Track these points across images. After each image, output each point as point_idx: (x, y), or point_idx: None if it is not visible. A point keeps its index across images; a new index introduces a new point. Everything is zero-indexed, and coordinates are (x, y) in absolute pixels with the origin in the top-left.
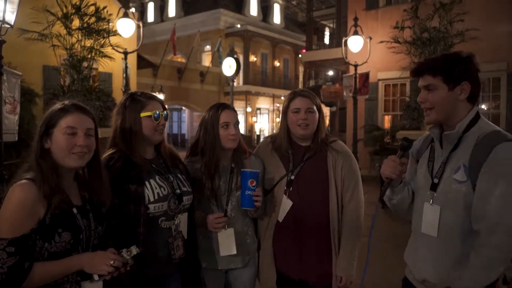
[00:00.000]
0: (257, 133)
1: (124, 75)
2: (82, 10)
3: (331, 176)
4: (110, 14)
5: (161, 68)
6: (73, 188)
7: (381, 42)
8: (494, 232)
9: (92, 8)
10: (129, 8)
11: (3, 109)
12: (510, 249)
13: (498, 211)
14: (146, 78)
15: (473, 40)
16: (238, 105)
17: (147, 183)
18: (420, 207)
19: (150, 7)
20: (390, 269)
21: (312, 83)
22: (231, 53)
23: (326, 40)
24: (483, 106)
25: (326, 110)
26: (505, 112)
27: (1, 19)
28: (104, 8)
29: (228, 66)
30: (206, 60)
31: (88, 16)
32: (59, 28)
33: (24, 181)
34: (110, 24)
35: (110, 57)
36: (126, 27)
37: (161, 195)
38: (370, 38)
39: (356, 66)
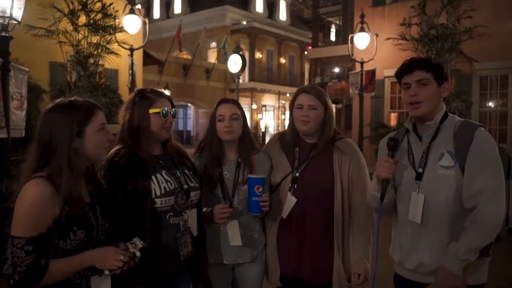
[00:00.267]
0: (262, 130)
1: (130, 71)
2: (88, 6)
3: (336, 174)
4: (117, 11)
5: (167, 64)
6: (83, 184)
7: (388, 39)
8: (490, 203)
9: (98, 5)
10: (135, 4)
11: (11, 105)
12: (503, 214)
13: (493, 182)
14: (152, 75)
15: (480, 37)
16: (244, 102)
17: (153, 177)
18: (407, 197)
19: (156, 3)
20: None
21: (318, 80)
22: (237, 50)
23: (332, 37)
24: (490, 104)
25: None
26: None
27: (9, 15)
28: (111, 4)
29: (234, 63)
30: (212, 57)
31: (95, 13)
32: (65, 24)
33: (38, 179)
34: (117, 20)
35: (116, 54)
36: (132, 24)
37: (167, 189)
38: (377, 35)
39: (362, 63)
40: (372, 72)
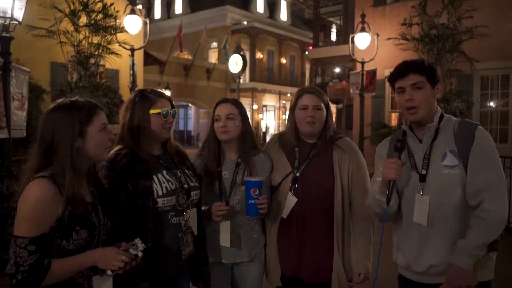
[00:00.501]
0: (263, 130)
1: (131, 71)
2: (89, 6)
3: (336, 173)
4: (117, 11)
5: (168, 64)
6: (84, 184)
7: (389, 39)
8: (495, 198)
9: (99, 5)
10: (136, 5)
11: (12, 106)
12: (507, 209)
13: (496, 179)
14: (152, 75)
15: (481, 37)
16: (244, 102)
17: (155, 177)
18: (411, 200)
19: (157, 4)
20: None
21: (318, 80)
22: (238, 50)
23: (333, 37)
24: (492, 104)
25: (332, 108)
26: None
27: (10, 15)
28: (111, 5)
29: (235, 63)
30: (213, 57)
31: (96, 13)
32: (66, 24)
33: (41, 179)
34: (117, 21)
35: (117, 54)
36: (133, 24)
37: (169, 189)
38: (378, 35)
39: (363, 63)
40: (373, 72)
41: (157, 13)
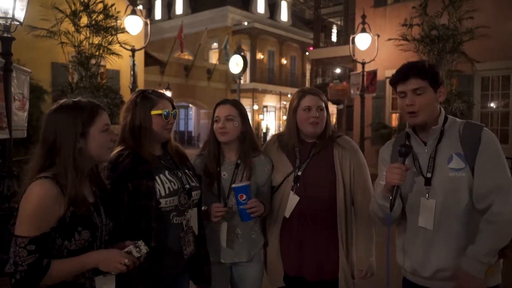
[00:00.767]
0: (264, 130)
1: (132, 72)
2: (90, 7)
3: (338, 171)
4: (118, 12)
5: (168, 65)
6: (87, 185)
7: (389, 39)
8: (505, 202)
9: (100, 6)
10: (136, 5)
11: (13, 106)
12: None
13: (505, 181)
14: (153, 76)
15: (482, 38)
16: (245, 103)
17: (157, 178)
18: (415, 204)
19: (158, 4)
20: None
21: (319, 80)
22: (238, 51)
23: (334, 38)
24: (492, 105)
25: (333, 108)
26: None
27: (11, 16)
28: (112, 5)
29: (235, 64)
30: (213, 58)
31: (96, 14)
32: (67, 25)
33: (43, 179)
34: (118, 21)
35: (117, 55)
36: (133, 25)
37: (171, 189)
38: (378, 36)
39: (363, 64)
40: (374, 73)
41: (158, 14)
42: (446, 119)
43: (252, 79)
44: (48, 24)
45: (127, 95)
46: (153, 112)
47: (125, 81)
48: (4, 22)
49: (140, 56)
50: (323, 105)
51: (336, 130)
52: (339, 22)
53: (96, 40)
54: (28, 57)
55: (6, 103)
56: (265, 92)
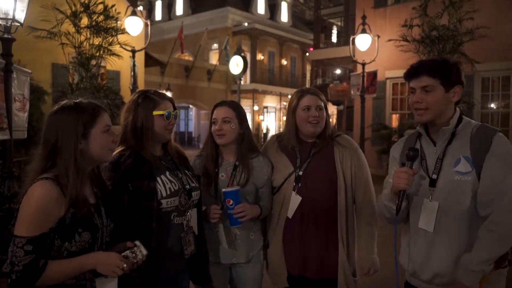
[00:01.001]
0: (264, 131)
1: (132, 73)
2: (90, 8)
3: (339, 169)
4: (119, 13)
5: (169, 66)
6: (88, 186)
7: (389, 40)
8: (506, 211)
9: (100, 7)
10: (137, 6)
11: (13, 107)
12: None
13: (510, 190)
14: (153, 76)
15: (482, 38)
16: (245, 104)
17: (158, 178)
18: (419, 204)
19: (158, 5)
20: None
21: (319, 81)
22: (238, 51)
23: (334, 39)
24: (492, 105)
25: (333, 109)
26: None
27: (11, 17)
28: (113, 6)
29: (235, 64)
30: (214, 58)
31: (97, 15)
32: (68, 26)
33: (44, 180)
34: (118, 22)
35: (118, 55)
36: (134, 25)
37: (172, 190)
38: (378, 37)
39: (364, 64)
40: (374, 74)
41: (158, 15)
42: (460, 121)
43: (253, 80)
44: (49, 25)
45: (127, 96)
46: (155, 113)
47: (125, 82)
48: (4, 23)
49: (140, 57)
50: (322, 104)
51: (336, 130)
52: (339, 23)
53: (97, 41)
54: (28, 58)
55: (7, 104)
56: (265, 92)
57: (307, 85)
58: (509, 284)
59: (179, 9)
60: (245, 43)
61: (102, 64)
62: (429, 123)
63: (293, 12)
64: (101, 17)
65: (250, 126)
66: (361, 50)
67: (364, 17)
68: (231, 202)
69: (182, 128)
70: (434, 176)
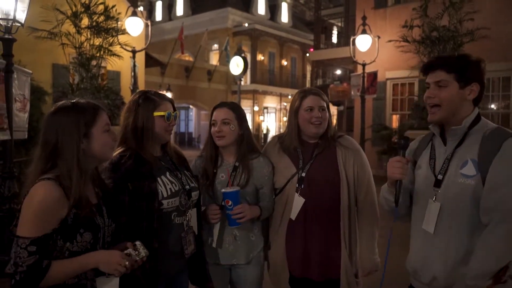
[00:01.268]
0: (264, 132)
1: (132, 73)
2: (91, 8)
3: (341, 170)
4: (119, 13)
5: (169, 66)
6: (90, 186)
7: (390, 41)
8: (505, 221)
9: (101, 7)
10: (137, 7)
11: (14, 107)
12: None
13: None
14: (154, 77)
15: (483, 39)
16: (245, 104)
17: (159, 179)
18: (423, 204)
19: (158, 6)
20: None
21: (319, 82)
22: (239, 52)
23: (334, 39)
24: (492, 106)
25: (333, 110)
26: None
27: (12, 17)
28: (113, 7)
29: (236, 65)
30: (214, 59)
31: (97, 15)
32: (68, 26)
33: (46, 181)
34: (119, 22)
35: (118, 56)
36: (134, 26)
37: (173, 190)
38: (379, 37)
39: (364, 65)
40: (374, 74)
41: (159, 15)
42: (477, 121)
43: (253, 81)
44: (49, 26)
45: (127, 96)
46: (156, 114)
47: (125, 82)
48: (5, 23)
49: (140, 58)
50: (325, 105)
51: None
52: (339, 24)
53: (97, 41)
54: (29, 58)
55: (7, 104)
56: (265, 93)
57: (308, 85)
58: None
59: (179, 10)
60: (245, 44)
61: (103, 64)
62: (443, 121)
63: (294, 13)
64: (102, 18)
65: (250, 126)
66: (362, 51)
67: (364, 18)
68: (230, 202)
69: (182, 129)
70: (440, 177)
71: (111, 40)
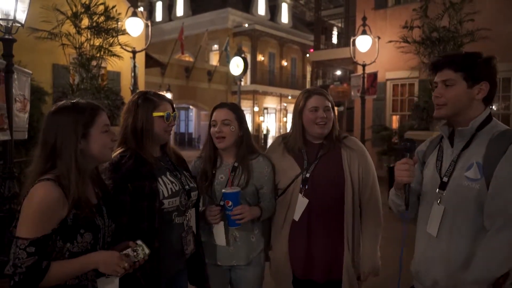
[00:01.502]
0: (264, 132)
1: (133, 74)
2: (91, 9)
3: (346, 172)
4: (119, 13)
5: (169, 67)
6: (89, 186)
7: (390, 41)
8: (507, 227)
9: (101, 7)
10: (137, 7)
11: (14, 107)
12: None
13: None
14: (154, 77)
15: (483, 40)
16: (245, 105)
17: (160, 179)
18: (427, 207)
19: (159, 6)
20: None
21: (319, 82)
22: (239, 53)
23: (334, 40)
24: (493, 107)
25: None
26: None
27: (12, 18)
28: (113, 7)
29: (236, 65)
30: (214, 59)
31: (97, 15)
32: (68, 27)
33: (46, 181)
34: (119, 23)
35: (118, 56)
36: (134, 26)
37: (173, 190)
38: (379, 38)
39: (364, 65)
40: (374, 75)
41: (159, 16)
42: (486, 122)
43: (253, 81)
44: (49, 26)
45: (128, 96)
46: (155, 114)
47: (126, 82)
48: (5, 23)
49: (141, 58)
50: (330, 105)
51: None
52: (339, 24)
53: (97, 41)
54: (29, 58)
55: (7, 104)
56: (265, 94)
57: (308, 86)
58: None
59: (179, 10)
60: (245, 44)
61: (103, 65)
62: (452, 121)
63: (294, 13)
64: (102, 18)
65: (250, 127)
66: (362, 51)
67: (364, 18)
68: (230, 203)
69: (182, 129)
70: (445, 179)
71: (111, 41)
